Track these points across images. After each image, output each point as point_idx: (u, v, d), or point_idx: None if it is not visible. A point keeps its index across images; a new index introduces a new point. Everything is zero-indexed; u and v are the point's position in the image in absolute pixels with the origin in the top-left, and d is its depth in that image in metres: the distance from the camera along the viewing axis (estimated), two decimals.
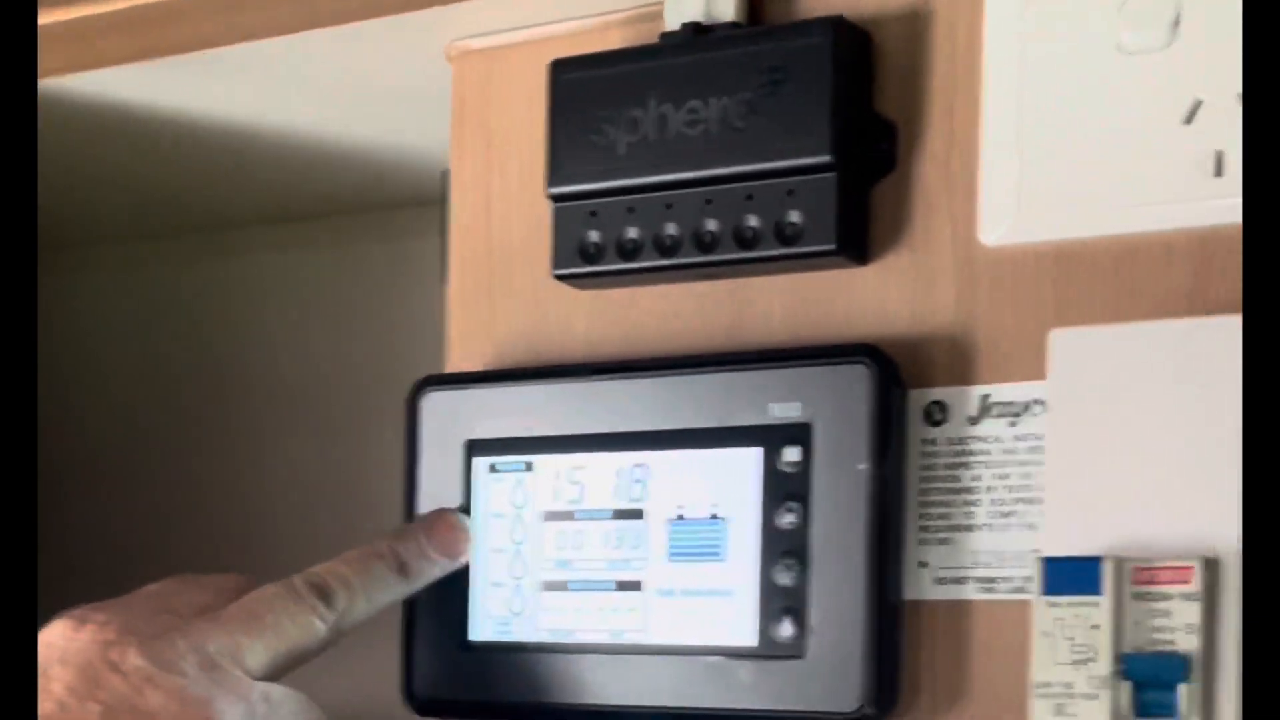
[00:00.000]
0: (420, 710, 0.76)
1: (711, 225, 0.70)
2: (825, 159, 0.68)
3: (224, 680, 0.66)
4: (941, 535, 0.68)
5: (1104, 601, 0.58)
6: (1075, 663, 0.58)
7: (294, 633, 0.68)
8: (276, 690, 0.68)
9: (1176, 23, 0.63)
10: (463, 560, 0.74)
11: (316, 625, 0.69)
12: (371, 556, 0.71)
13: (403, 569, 0.71)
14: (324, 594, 0.69)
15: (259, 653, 0.67)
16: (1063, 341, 0.62)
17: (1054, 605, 0.59)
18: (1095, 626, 0.58)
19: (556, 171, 0.73)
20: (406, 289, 1.04)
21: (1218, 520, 0.58)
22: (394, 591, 0.72)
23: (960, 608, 0.67)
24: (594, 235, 0.73)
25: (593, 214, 0.73)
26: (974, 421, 0.68)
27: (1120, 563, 0.58)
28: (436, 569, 0.73)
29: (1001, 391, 0.67)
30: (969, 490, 0.67)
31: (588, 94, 0.72)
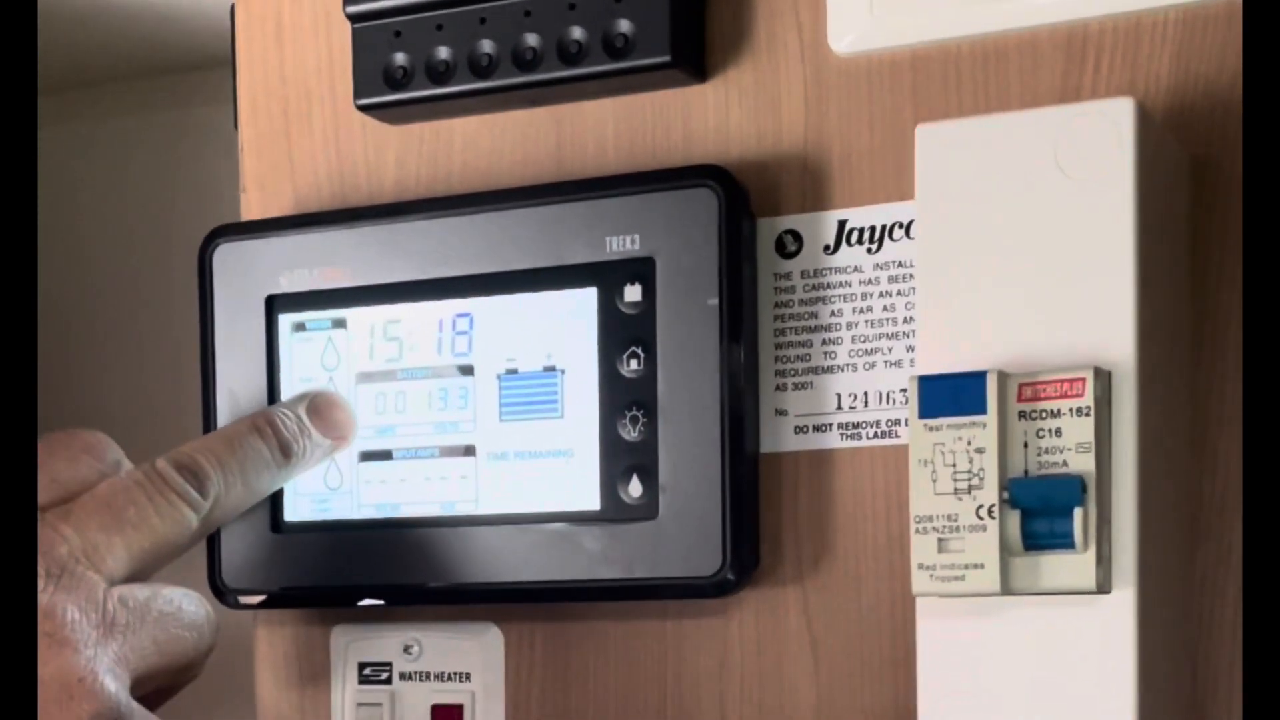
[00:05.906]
0: (231, 603, 0.72)
1: (531, 40, 0.67)
2: None
3: (75, 585, 0.60)
4: (800, 379, 0.65)
5: (989, 420, 0.54)
6: (959, 492, 0.54)
7: (160, 527, 0.63)
8: (139, 591, 0.62)
9: None
10: (348, 443, 0.69)
11: (186, 516, 0.63)
12: (249, 432, 0.66)
13: (285, 448, 0.67)
14: (196, 477, 0.64)
15: (118, 552, 0.61)
16: (930, 137, 0.57)
17: (933, 429, 0.55)
18: (980, 450, 0.54)
19: None
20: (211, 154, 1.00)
21: (1108, 327, 0.54)
22: (275, 475, 0.67)
23: (823, 458, 0.65)
24: (400, 58, 0.69)
25: (397, 34, 0.69)
26: (831, 251, 0.65)
27: (1005, 377, 0.54)
28: (320, 451, 0.68)
29: (859, 215, 0.64)
30: (828, 328, 0.64)
31: None
